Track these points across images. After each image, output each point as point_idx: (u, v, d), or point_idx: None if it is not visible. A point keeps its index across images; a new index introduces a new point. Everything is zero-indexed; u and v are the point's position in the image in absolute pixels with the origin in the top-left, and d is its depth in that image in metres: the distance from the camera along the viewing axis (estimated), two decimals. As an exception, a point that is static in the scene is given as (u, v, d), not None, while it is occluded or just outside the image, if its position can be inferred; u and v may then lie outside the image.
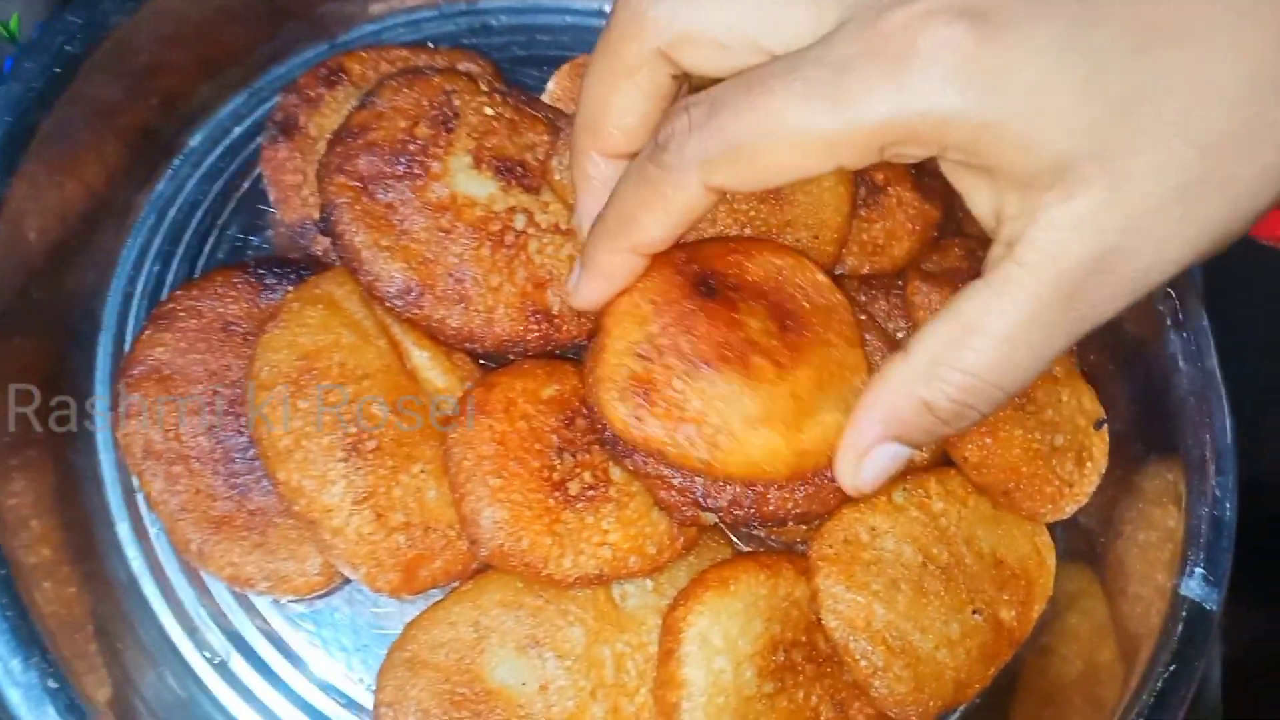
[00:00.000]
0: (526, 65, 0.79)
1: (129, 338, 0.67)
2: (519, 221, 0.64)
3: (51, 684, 0.50)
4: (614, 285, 0.55)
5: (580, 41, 0.81)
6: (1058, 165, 0.40)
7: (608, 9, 0.82)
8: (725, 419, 0.54)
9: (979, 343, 0.43)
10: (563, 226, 0.64)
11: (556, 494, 0.58)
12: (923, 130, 0.40)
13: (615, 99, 0.50)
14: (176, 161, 0.72)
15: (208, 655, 0.61)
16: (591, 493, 0.59)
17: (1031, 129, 0.39)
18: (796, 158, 0.43)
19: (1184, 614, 0.60)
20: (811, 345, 0.57)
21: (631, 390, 0.55)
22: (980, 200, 0.44)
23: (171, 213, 0.71)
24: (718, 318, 0.56)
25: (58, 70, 0.62)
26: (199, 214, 0.71)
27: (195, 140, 0.73)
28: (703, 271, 0.58)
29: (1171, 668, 0.59)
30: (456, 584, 0.60)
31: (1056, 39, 0.39)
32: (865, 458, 0.49)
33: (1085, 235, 0.40)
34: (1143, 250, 0.40)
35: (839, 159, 0.42)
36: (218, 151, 0.73)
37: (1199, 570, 0.62)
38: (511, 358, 0.64)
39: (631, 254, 0.52)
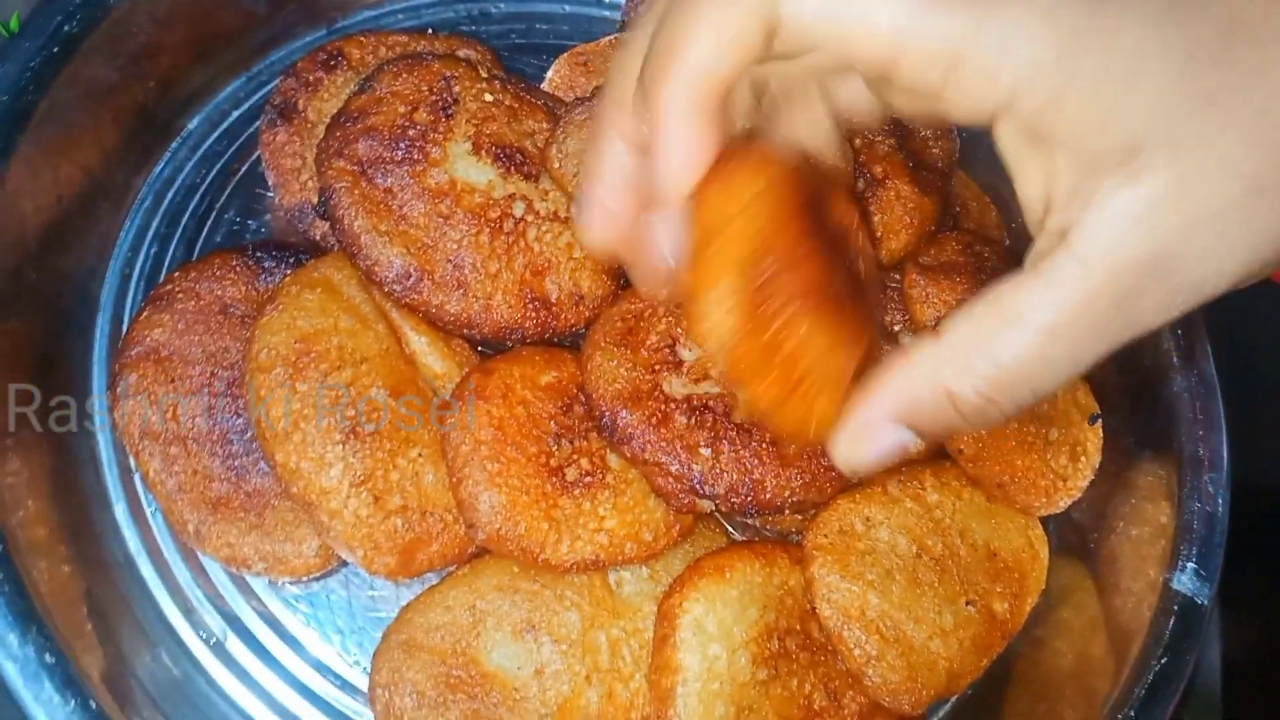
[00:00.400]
0: (525, 53, 0.79)
1: (126, 319, 0.67)
2: (518, 209, 0.64)
3: (49, 658, 0.50)
4: (681, 151, 0.43)
5: (579, 30, 0.81)
6: (1130, 146, 0.37)
7: (606, -1, 0.83)
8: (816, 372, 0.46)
9: (1018, 335, 0.40)
10: (561, 214, 0.64)
11: (554, 480, 0.59)
12: (1004, 75, 0.38)
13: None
14: (174, 144, 0.72)
15: (204, 635, 0.61)
16: (589, 479, 0.59)
17: (1113, 102, 0.37)
18: (864, 9, 0.39)
19: (1176, 608, 0.61)
20: (865, 317, 0.49)
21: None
22: (1031, 178, 0.41)
23: (169, 195, 0.71)
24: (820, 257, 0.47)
25: (55, 50, 0.62)
26: (196, 197, 0.71)
27: (193, 123, 0.73)
28: (815, 194, 0.48)
29: (1163, 660, 0.59)
30: (453, 568, 0.60)
31: (1157, 16, 0.37)
32: (869, 437, 0.45)
33: (1146, 229, 0.38)
34: (1203, 256, 0.38)
35: (905, 45, 0.39)
36: (216, 134, 0.73)
37: (1191, 565, 0.62)
38: (509, 344, 0.64)
39: (688, 98, 0.41)
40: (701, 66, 0.40)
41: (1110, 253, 0.38)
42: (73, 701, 0.50)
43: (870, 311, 0.49)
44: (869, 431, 0.45)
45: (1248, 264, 0.39)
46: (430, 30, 0.76)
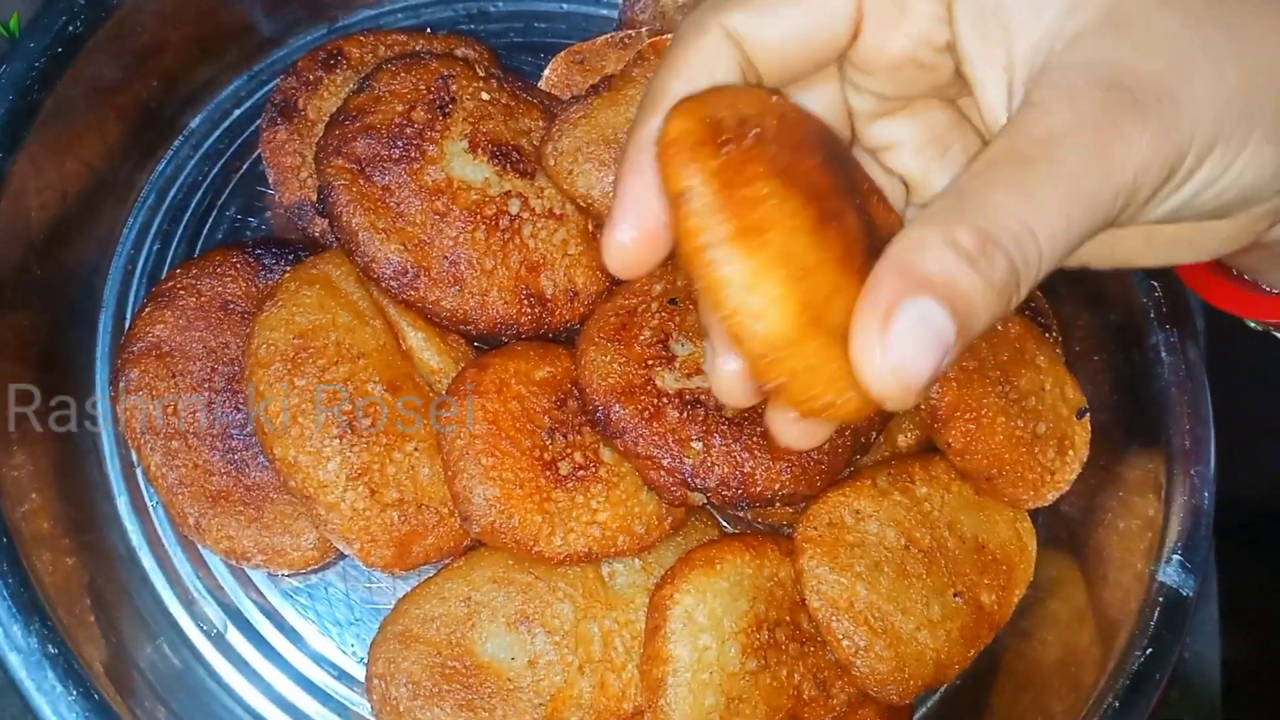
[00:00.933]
0: (523, 52, 0.80)
1: (129, 314, 0.68)
2: (514, 206, 0.64)
3: (51, 650, 0.52)
4: (642, 167, 0.41)
5: (577, 29, 0.82)
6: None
7: (603, -2, 0.83)
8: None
9: (994, 153, 0.37)
10: (556, 212, 0.65)
11: (547, 473, 0.60)
12: None
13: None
14: (177, 142, 0.73)
15: (204, 627, 0.62)
16: (582, 473, 0.60)
17: None
18: None
19: (1161, 600, 0.62)
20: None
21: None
22: (991, 80, 0.40)
23: (172, 192, 0.72)
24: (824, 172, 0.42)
25: (60, 50, 0.63)
26: (198, 194, 0.72)
27: (195, 121, 0.74)
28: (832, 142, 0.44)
29: (1148, 651, 0.60)
30: (448, 560, 0.61)
31: None
32: (890, 321, 0.36)
33: (1096, 54, 0.37)
34: (1161, 70, 0.37)
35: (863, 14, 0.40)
36: (217, 133, 0.74)
37: (1176, 558, 0.63)
38: (505, 340, 0.65)
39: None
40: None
41: (1062, 86, 0.37)
42: (75, 692, 0.51)
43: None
44: (887, 314, 0.36)
45: (1223, 88, 0.38)
46: (429, 29, 0.77)
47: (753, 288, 0.35)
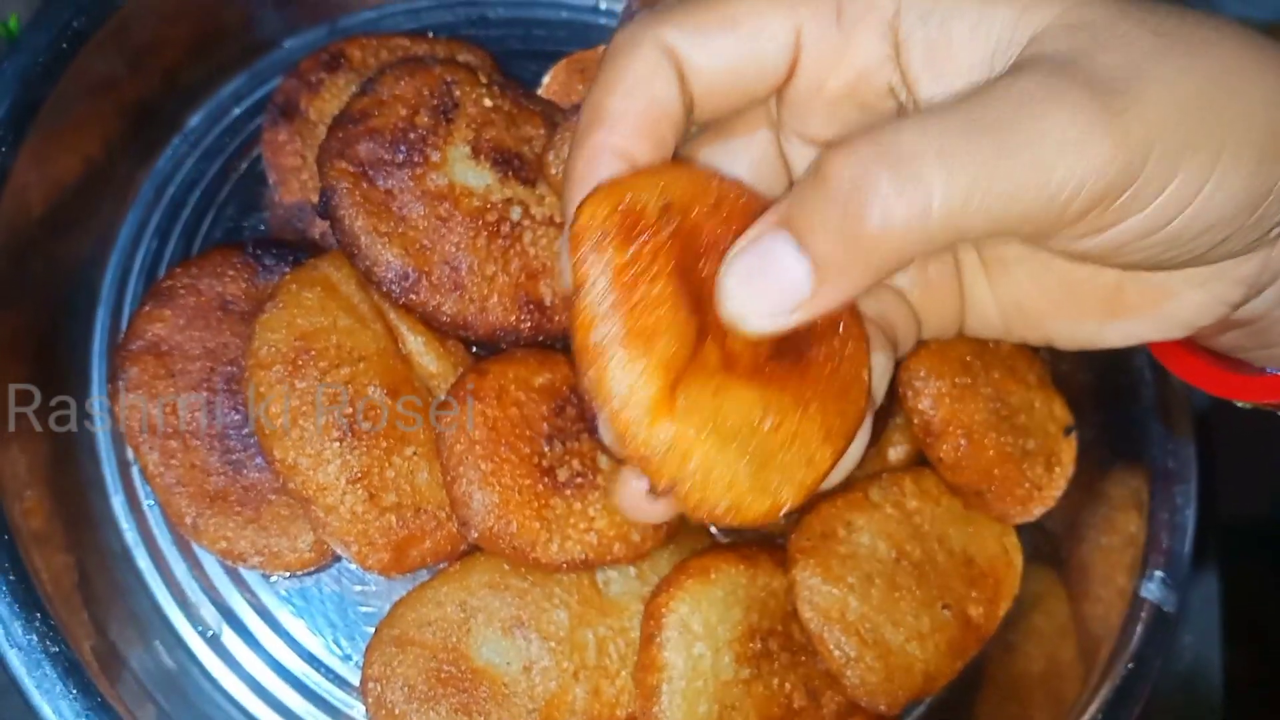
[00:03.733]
0: (523, 59, 0.80)
1: (126, 312, 0.67)
2: (515, 213, 0.65)
3: (52, 647, 0.52)
4: (586, 178, 0.40)
5: (576, 37, 0.83)
6: None
7: (604, 5, 0.84)
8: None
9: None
10: (557, 219, 0.66)
11: (546, 480, 0.60)
12: None
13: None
14: (176, 140, 0.73)
15: (199, 628, 0.62)
16: (580, 480, 0.61)
17: None
18: (751, 12, 0.39)
19: (1143, 615, 0.63)
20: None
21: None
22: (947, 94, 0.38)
23: (170, 190, 0.72)
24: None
25: (63, 46, 0.63)
26: (197, 192, 0.72)
27: (195, 119, 0.74)
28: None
29: (1130, 666, 0.62)
30: (444, 565, 0.61)
31: None
32: (742, 250, 0.37)
33: (1047, 48, 0.36)
34: (1114, 61, 0.35)
35: (796, 18, 0.39)
36: (217, 131, 0.74)
37: (1159, 574, 0.64)
38: (504, 346, 0.65)
39: (604, 145, 0.40)
40: (624, 125, 0.39)
41: (1020, 60, 0.36)
42: (75, 689, 0.51)
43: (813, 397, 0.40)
44: (747, 244, 0.37)
45: (1177, 95, 0.35)
46: (430, 33, 0.77)
47: (636, 390, 0.36)
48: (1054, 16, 0.37)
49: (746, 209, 0.40)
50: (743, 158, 0.44)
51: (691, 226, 0.39)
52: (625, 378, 0.36)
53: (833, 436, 0.39)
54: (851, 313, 0.41)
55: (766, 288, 0.36)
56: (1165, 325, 0.44)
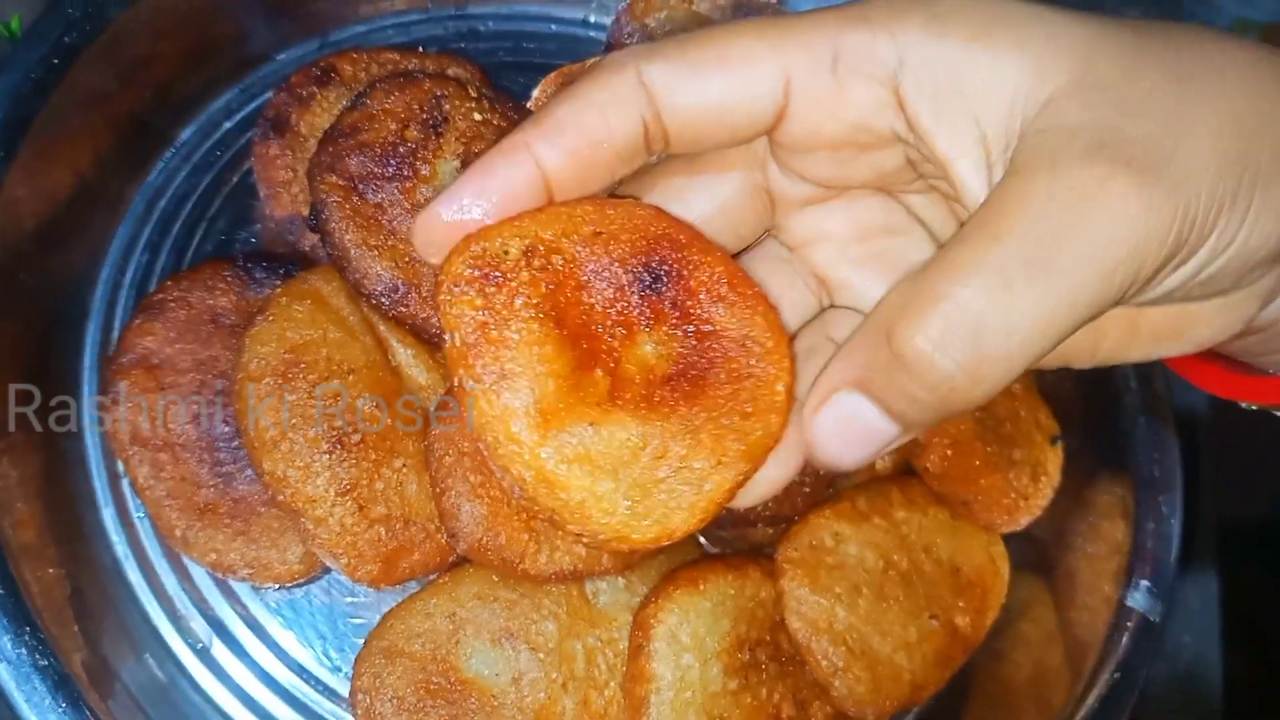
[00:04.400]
0: (512, 71, 0.81)
1: (116, 325, 0.68)
2: (437, 301, 0.65)
3: (41, 660, 0.52)
4: (491, 170, 0.39)
5: (565, 50, 0.83)
6: (1023, 59, 0.36)
7: (593, 19, 0.85)
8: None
9: (958, 252, 0.34)
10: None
11: (534, 492, 0.60)
12: (879, 37, 0.38)
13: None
14: (168, 153, 0.73)
15: (189, 641, 0.62)
16: (568, 492, 0.61)
17: (989, 18, 0.37)
18: (742, 56, 0.38)
19: (1129, 624, 0.63)
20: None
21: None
22: (961, 152, 0.38)
23: (161, 203, 0.72)
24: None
25: (55, 60, 0.63)
26: (188, 206, 0.72)
27: (186, 133, 0.74)
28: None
29: (1116, 675, 0.62)
30: (434, 576, 0.62)
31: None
32: (822, 410, 0.37)
33: (1074, 123, 0.35)
34: (1148, 132, 0.35)
35: (791, 62, 0.39)
36: (208, 145, 0.74)
37: (1144, 582, 0.65)
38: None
39: (525, 148, 0.39)
40: (561, 136, 0.39)
41: (1043, 153, 0.35)
42: (64, 704, 0.51)
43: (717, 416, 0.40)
44: (822, 400, 0.38)
45: (1220, 159, 0.35)
46: (420, 46, 0.78)
47: (500, 430, 0.38)
48: (1070, 74, 0.36)
49: (634, 230, 0.41)
50: (712, 194, 0.44)
51: (569, 261, 0.40)
52: (488, 420, 0.38)
53: (729, 460, 0.39)
54: (770, 328, 0.41)
55: (857, 440, 0.37)
56: (1185, 344, 0.43)
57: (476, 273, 0.39)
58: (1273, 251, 0.38)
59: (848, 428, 0.37)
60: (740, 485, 0.40)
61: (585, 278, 0.40)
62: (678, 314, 0.41)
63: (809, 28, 0.39)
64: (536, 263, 0.39)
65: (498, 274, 0.39)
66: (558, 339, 0.39)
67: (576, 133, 0.39)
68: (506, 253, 0.39)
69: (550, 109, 0.39)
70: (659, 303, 0.41)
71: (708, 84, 0.39)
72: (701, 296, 0.41)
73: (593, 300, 0.40)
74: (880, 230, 0.45)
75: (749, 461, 0.40)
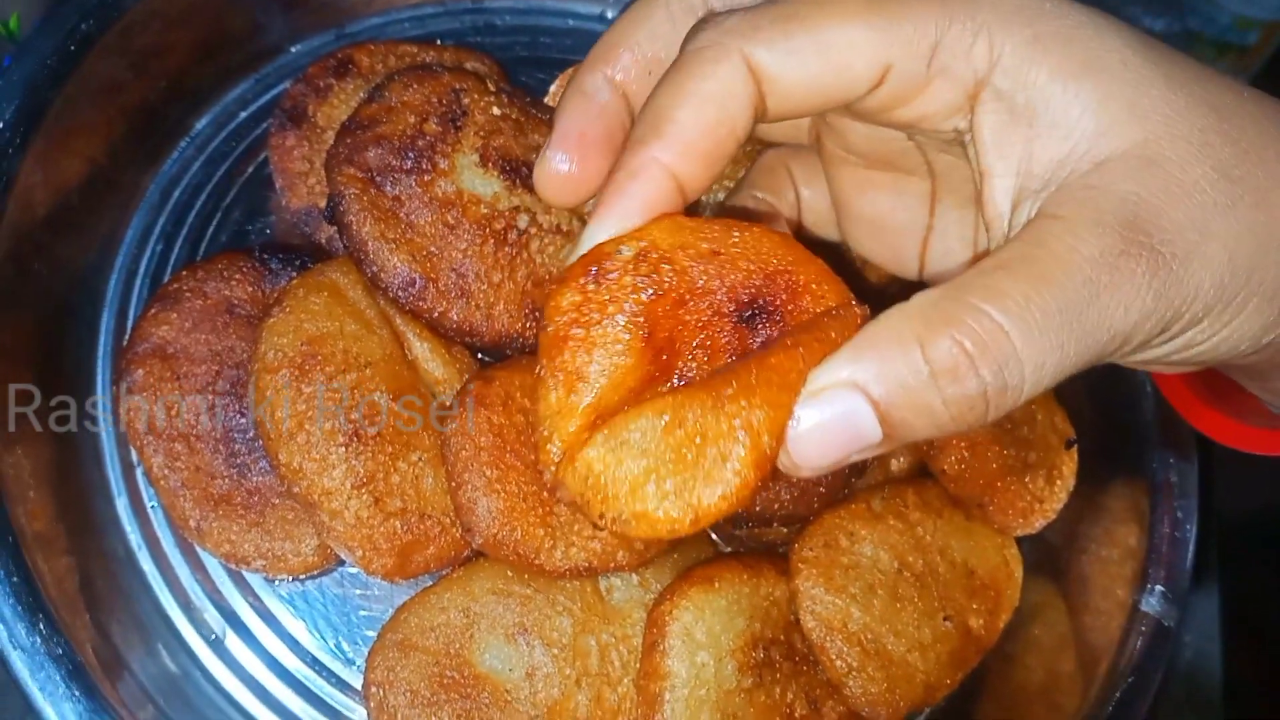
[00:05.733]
0: (529, 66, 0.80)
1: (131, 315, 0.68)
2: (522, 221, 0.65)
3: (56, 649, 0.51)
4: (626, 191, 0.41)
5: (583, 45, 0.82)
6: (1101, 110, 0.38)
7: (611, 14, 0.84)
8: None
9: (1008, 282, 0.35)
10: (563, 228, 0.66)
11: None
12: (979, 44, 0.38)
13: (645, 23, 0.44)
14: (182, 144, 0.73)
15: (203, 633, 0.62)
16: (584, 488, 0.61)
17: (1085, 61, 0.38)
18: (849, 38, 0.39)
19: (1143, 629, 0.63)
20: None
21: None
22: (1004, 172, 0.40)
23: (176, 194, 0.72)
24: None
25: (71, 49, 0.63)
26: (203, 196, 0.72)
27: (201, 124, 0.74)
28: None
29: (1130, 680, 0.62)
30: (447, 570, 0.61)
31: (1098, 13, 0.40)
32: (812, 404, 0.37)
33: (1123, 189, 0.37)
34: (1183, 226, 0.37)
35: (891, 53, 0.39)
36: (223, 136, 0.74)
37: (1159, 588, 0.64)
38: (509, 353, 0.65)
39: (654, 161, 0.40)
40: (685, 139, 0.39)
41: (1088, 209, 0.37)
42: (78, 692, 0.51)
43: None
44: (814, 397, 0.37)
45: (1231, 257, 0.38)
46: (437, 40, 0.78)
47: (560, 421, 0.39)
48: (1132, 144, 0.38)
49: (754, 259, 0.41)
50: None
51: (678, 274, 0.40)
52: (550, 412, 0.39)
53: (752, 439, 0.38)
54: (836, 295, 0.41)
55: (837, 443, 0.37)
56: (1186, 363, 0.44)
57: (583, 268, 0.39)
58: (1246, 347, 0.41)
59: (835, 427, 0.36)
60: (765, 470, 0.38)
61: (688, 295, 0.40)
62: (761, 348, 0.40)
63: (915, 16, 0.39)
64: (645, 268, 0.40)
65: (604, 272, 0.39)
66: (639, 351, 0.39)
67: (700, 132, 0.39)
68: (619, 252, 0.40)
69: (664, 110, 0.40)
70: (750, 336, 0.40)
71: (810, 68, 0.39)
72: (778, 334, 0.40)
73: (689, 318, 0.40)
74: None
75: (772, 437, 0.38)
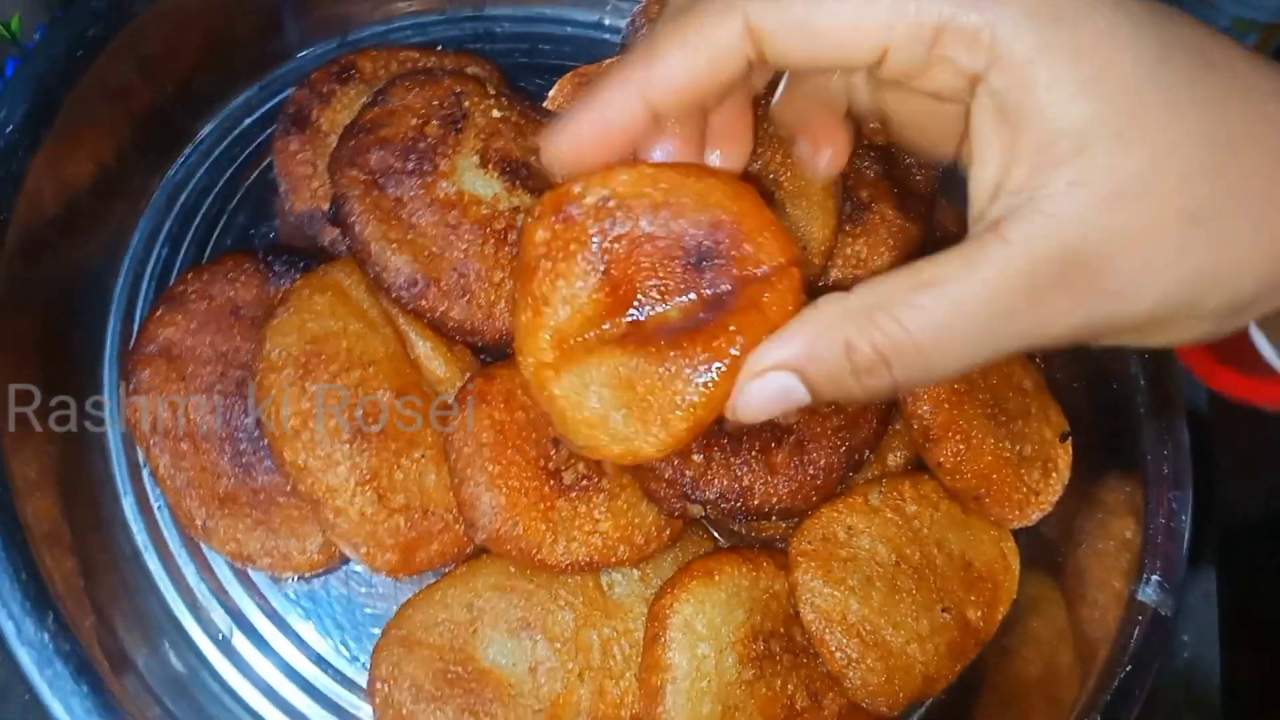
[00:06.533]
0: (529, 73, 0.81)
1: (138, 316, 0.69)
2: (522, 221, 0.66)
3: (64, 646, 0.52)
4: (601, 134, 0.45)
5: (581, 52, 0.84)
6: (1085, 135, 0.38)
7: (608, 21, 0.86)
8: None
9: (929, 301, 0.40)
10: (563, 228, 0.67)
11: (551, 482, 0.61)
12: (983, 38, 0.39)
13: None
14: (188, 149, 0.74)
15: (210, 631, 0.62)
16: (585, 483, 0.61)
17: (1080, 84, 0.38)
18: (850, 18, 0.40)
19: (1140, 619, 0.64)
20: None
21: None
22: (988, 163, 0.41)
23: (182, 197, 0.73)
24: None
25: (80, 53, 0.64)
26: (208, 200, 0.73)
27: (207, 129, 0.75)
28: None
29: (1128, 669, 0.62)
30: (451, 567, 0.62)
31: (1139, 16, 0.39)
32: (755, 380, 0.43)
33: (1075, 226, 0.38)
34: (1125, 270, 0.39)
35: (892, 35, 0.40)
36: (228, 141, 0.75)
37: (1155, 578, 0.65)
38: (509, 351, 0.66)
39: (638, 101, 0.43)
40: (673, 83, 0.42)
41: (1034, 240, 0.38)
42: (86, 687, 0.52)
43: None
44: (756, 375, 0.43)
45: (1172, 295, 0.39)
46: (439, 46, 0.79)
47: (531, 336, 0.47)
48: (1109, 175, 0.38)
49: (702, 207, 0.46)
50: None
51: (631, 218, 0.46)
52: (523, 328, 0.47)
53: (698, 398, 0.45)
54: (777, 305, 0.46)
55: (771, 405, 0.44)
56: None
57: (553, 208, 0.46)
58: (1196, 341, 0.43)
59: (772, 396, 0.43)
60: (701, 422, 0.46)
61: (643, 239, 0.46)
62: (710, 291, 0.46)
63: (921, 3, 0.40)
64: (605, 214, 0.46)
65: (570, 214, 0.46)
66: (598, 284, 0.46)
67: (686, 75, 0.42)
68: (584, 199, 0.46)
69: (658, 48, 0.42)
70: (699, 277, 0.46)
71: (810, 45, 0.41)
72: (738, 281, 0.46)
73: (643, 260, 0.46)
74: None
75: (707, 408, 0.45)
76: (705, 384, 0.45)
